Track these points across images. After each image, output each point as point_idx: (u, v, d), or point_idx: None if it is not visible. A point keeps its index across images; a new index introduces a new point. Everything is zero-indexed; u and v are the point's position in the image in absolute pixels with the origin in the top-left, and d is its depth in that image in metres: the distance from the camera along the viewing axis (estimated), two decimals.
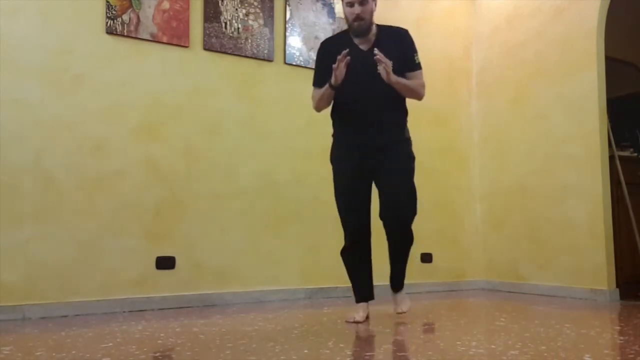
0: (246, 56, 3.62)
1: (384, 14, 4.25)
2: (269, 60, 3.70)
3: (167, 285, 3.25)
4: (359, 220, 2.74)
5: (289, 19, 3.80)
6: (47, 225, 2.96)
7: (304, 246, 3.73)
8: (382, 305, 3.06)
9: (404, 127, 2.78)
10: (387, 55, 2.52)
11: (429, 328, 2.62)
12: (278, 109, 3.73)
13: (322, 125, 3.82)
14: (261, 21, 3.68)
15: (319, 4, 3.93)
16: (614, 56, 4.18)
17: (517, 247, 4.18)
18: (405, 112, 2.79)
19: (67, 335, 2.38)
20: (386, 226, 2.71)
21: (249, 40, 3.62)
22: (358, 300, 2.80)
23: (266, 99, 3.69)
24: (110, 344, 2.16)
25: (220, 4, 3.54)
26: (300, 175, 3.76)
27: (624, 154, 3.92)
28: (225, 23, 3.55)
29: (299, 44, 3.82)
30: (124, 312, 3.08)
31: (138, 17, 3.26)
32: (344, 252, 2.83)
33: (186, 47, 3.42)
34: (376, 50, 2.51)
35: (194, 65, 3.45)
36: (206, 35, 3.48)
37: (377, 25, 2.72)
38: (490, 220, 4.45)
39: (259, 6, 3.68)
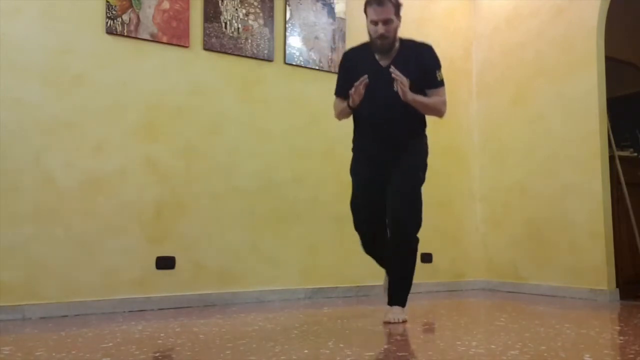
0: (246, 56, 3.62)
1: None
2: (269, 60, 3.70)
3: (167, 285, 3.25)
4: (369, 230, 2.77)
5: (289, 19, 3.79)
6: (47, 225, 2.95)
7: (304, 246, 3.73)
8: (382, 305, 3.06)
9: (421, 142, 2.80)
10: (405, 71, 2.51)
11: (429, 328, 2.62)
12: (278, 109, 3.73)
13: (322, 125, 3.84)
14: (261, 21, 3.68)
15: (319, 4, 3.92)
16: (614, 56, 4.18)
17: (517, 247, 4.18)
18: (423, 127, 2.80)
19: (67, 335, 2.38)
20: (389, 235, 2.70)
21: (249, 40, 3.62)
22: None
23: (266, 99, 3.69)
24: (110, 344, 2.16)
25: (220, 4, 3.54)
26: (300, 175, 3.76)
27: (624, 154, 3.92)
28: (225, 23, 3.55)
29: (299, 44, 3.82)
30: (124, 312, 3.08)
31: (138, 17, 3.26)
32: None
33: (186, 47, 3.42)
34: (392, 68, 2.50)
35: (194, 65, 3.45)
36: (206, 35, 3.48)
37: (401, 40, 2.69)
38: (490, 220, 4.44)
39: (259, 6, 3.68)
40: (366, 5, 2.60)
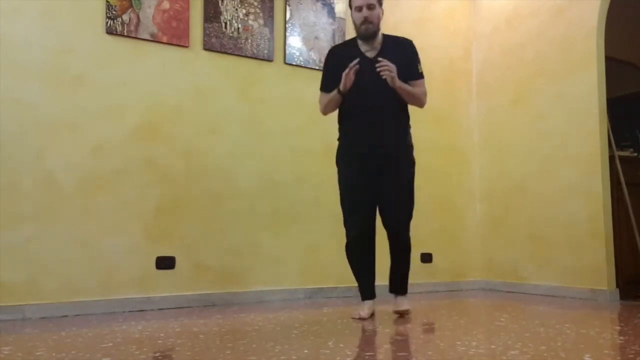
0: (246, 56, 3.62)
1: (385, 15, 4.24)
2: (269, 60, 3.70)
3: (167, 285, 3.25)
4: (360, 220, 2.82)
5: (289, 19, 3.79)
6: (47, 225, 2.96)
7: (304, 246, 3.73)
8: (382, 306, 3.06)
9: (407, 132, 2.91)
10: (391, 62, 2.66)
11: (429, 328, 2.62)
12: (278, 109, 3.73)
13: (322, 125, 3.84)
14: (261, 21, 3.68)
15: (319, 4, 3.92)
16: (614, 56, 4.18)
17: (517, 247, 4.18)
18: (407, 118, 2.92)
19: (67, 335, 2.38)
20: (386, 231, 2.86)
21: (249, 40, 3.62)
22: (362, 299, 2.89)
23: (266, 99, 3.69)
24: (110, 344, 2.16)
25: (220, 4, 3.54)
26: (300, 175, 3.76)
27: (624, 154, 3.92)
28: (225, 23, 3.55)
29: (299, 44, 3.82)
30: (124, 312, 3.08)
31: (138, 17, 3.26)
32: (348, 249, 2.89)
33: (186, 47, 3.42)
34: (380, 58, 2.66)
35: (194, 65, 3.45)
36: (206, 35, 3.48)
37: (384, 35, 2.86)
38: (490, 220, 4.44)
39: (259, 6, 3.68)
40: None
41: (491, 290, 4.29)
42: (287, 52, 3.77)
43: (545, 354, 1.93)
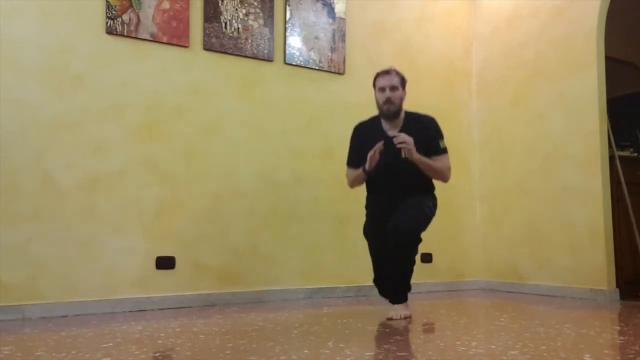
0: (246, 56, 3.62)
1: (385, 15, 4.26)
2: (269, 60, 3.70)
3: (167, 285, 3.25)
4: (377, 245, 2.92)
5: (289, 19, 3.79)
6: (47, 225, 2.95)
7: (304, 246, 3.73)
8: (382, 306, 3.06)
9: (430, 196, 2.96)
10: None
11: (429, 328, 2.62)
12: (278, 109, 3.73)
13: (322, 126, 3.85)
14: (261, 21, 3.68)
15: (319, 4, 3.92)
16: (614, 56, 4.18)
17: (517, 247, 4.18)
18: (432, 188, 2.99)
19: (67, 335, 2.38)
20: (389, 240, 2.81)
21: (249, 40, 3.62)
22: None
23: (266, 99, 3.69)
24: (110, 344, 2.16)
25: (220, 4, 3.54)
26: (300, 175, 3.76)
27: (624, 154, 3.92)
28: (225, 23, 3.55)
29: (299, 44, 3.82)
30: (124, 312, 3.08)
31: (138, 17, 3.26)
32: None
33: (186, 47, 3.42)
34: (396, 133, 2.76)
35: (194, 65, 3.45)
36: (206, 35, 3.48)
37: (406, 112, 2.94)
38: (490, 221, 4.44)
39: (259, 6, 3.68)
40: (375, 77, 2.92)
41: (491, 290, 4.29)
42: (287, 52, 3.77)
43: (545, 354, 1.93)
